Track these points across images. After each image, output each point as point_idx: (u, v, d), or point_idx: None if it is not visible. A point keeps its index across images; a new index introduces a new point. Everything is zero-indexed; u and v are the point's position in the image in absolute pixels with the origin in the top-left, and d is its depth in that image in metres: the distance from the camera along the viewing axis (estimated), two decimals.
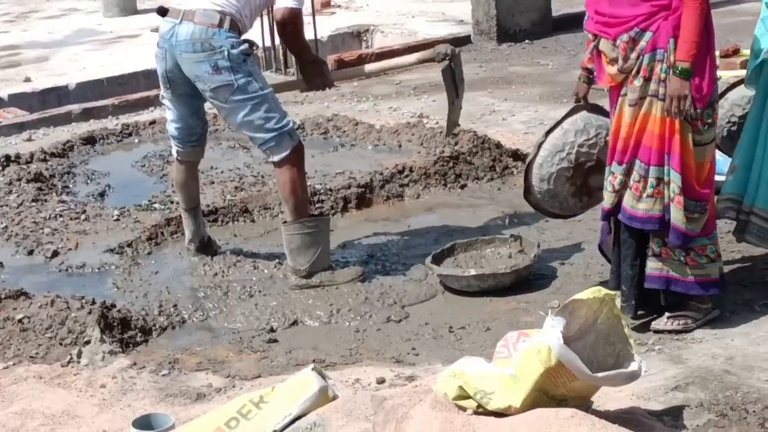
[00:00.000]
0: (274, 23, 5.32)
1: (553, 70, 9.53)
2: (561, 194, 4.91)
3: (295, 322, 4.99)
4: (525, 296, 5.08)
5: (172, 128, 5.50)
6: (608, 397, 3.86)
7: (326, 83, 5.55)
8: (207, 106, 5.47)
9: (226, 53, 5.06)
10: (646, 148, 4.42)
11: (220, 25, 5.07)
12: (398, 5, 13.55)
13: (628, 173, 4.47)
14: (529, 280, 5.21)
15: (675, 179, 4.39)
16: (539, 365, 3.32)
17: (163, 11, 5.26)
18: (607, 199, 4.57)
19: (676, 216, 4.41)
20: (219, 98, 5.13)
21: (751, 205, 4.79)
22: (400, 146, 7.35)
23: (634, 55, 4.38)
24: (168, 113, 5.51)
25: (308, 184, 6.48)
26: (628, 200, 4.49)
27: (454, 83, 5.59)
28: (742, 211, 4.82)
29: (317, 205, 6.32)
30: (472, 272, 5.13)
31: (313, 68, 5.49)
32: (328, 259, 5.36)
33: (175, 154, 5.61)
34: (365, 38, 12.28)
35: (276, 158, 5.21)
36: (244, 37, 5.23)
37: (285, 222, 5.34)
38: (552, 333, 3.34)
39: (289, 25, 5.27)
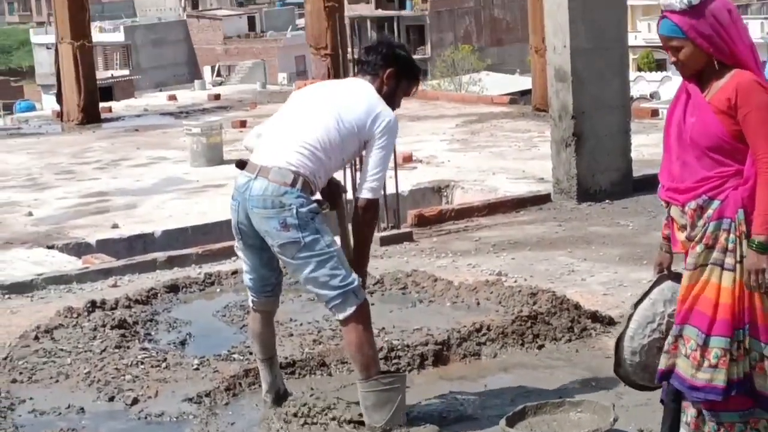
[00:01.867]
0: (355, 207, 5.40)
1: (633, 231, 9.55)
2: (652, 366, 4.86)
3: None
4: None
5: (246, 279, 5.60)
6: None
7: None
8: None
9: (294, 211, 5.13)
10: (703, 316, 4.41)
11: (293, 185, 5.15)
12: (479, 162, 13.75)
13: (679, 337, 4.46)
14: None
15: (758, 348, 4.37)
16: None
17: (241, 164, 5.38)
18: (661, 361, 4.56)
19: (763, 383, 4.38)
20: (286, 254, 5.22)
21: None
22: (478, 304, 7.36)
23: (701, 223, 4.42)
24: (243, 264, 5.61)
25: (386, 339, 6.58)
26: (685, 369, 4.46)
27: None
28: None
29: (394, 361, 6.34)
30: None
31: (361, 272, 5.47)
32: (404, 417, 5.35)
33: (250, 304, 5.69)
34: (445, 194, 12.45)
35: (341, 316, 5.24)
36: (315, 197, 5.31)
37: (360, 379, 5.35)
38: None
39: (367, 214, 5.35)
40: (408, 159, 13.72)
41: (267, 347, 5.70)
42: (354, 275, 5.27)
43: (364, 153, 5.34)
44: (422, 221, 10.42)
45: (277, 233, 5.17)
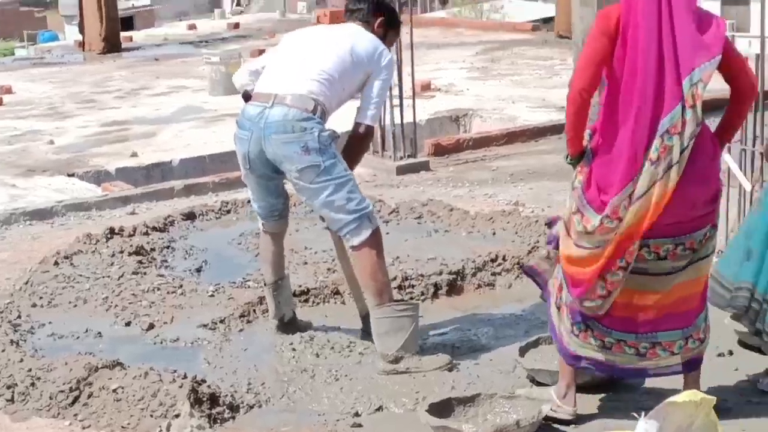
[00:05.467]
0: (352, 130, 5.50)
1: None
2: None
3: (380, 408, 5.01)
4: (616, 395, 4.96)
5: (255, 206, 5.70)
6: None
7: None
8: None
9: (316, 135, 5.20)
10: None
11: (314, 111, 5.24)
12: (498, 90, 13.68)
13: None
14: (620, 379, 5.06)
15: None
16: None
17: (248, 96, 5.46)
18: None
19: None
20: (304, 179, 5.25)
21: (764, 294, 4.78)
22: (494, 234, 7.38)
23: None
24: (250, 192, 5.70)
25: (400, 268, 6.61)
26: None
27: None
28: (755, 299, 4.82)
29: (408, 290, 6.39)
30: None
31: None
32: (417, 345, 5.40)
33: (260, 227, 5.77)
34: (463, 123, 12.40)
35: (356, 241, 5.29)
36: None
37: (373, 306, 5.39)
38: None
39: (366, 140, 5.49)
40: (426, 87, 13.63)
41: (276, 269, 5.78)
42: (368, 201, 5.36)
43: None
44: (439, 150, 10.40)
45: (299, 157, 5.21)
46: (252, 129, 5.33)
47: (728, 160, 5.12)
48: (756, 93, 4.62)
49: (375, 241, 5.31)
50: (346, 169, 5.29)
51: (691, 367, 4.60)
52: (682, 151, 4.20)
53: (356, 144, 5.49)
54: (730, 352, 5.32)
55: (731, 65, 4.38)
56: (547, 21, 23.28)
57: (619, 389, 5.01)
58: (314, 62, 5.35)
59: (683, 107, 4.19)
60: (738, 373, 5.13)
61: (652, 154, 4.20)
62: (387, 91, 5.56)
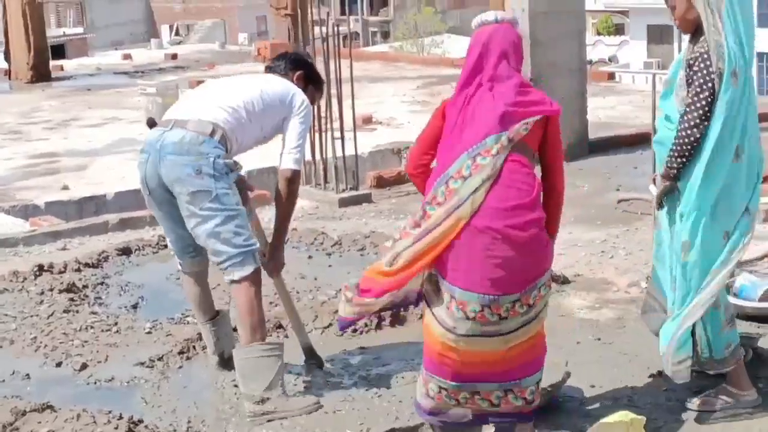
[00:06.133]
0: (278, 179, 5.40)
1: (588, 192, 9.47)
2: None
3: None
4: (554, 419, 4.91)
5: (168, 241, 5.55)
6: None
7: (272, 269, 5.53)
8: None
9: (212, 160, 5.09)
10: None
11: (212, 135, 5.13)
12: None
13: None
14: (558, 403, 5.06)
15: None
16: None
17: (152, 123, 5.39)
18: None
19: None
20: (195, 203, 5.10)
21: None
22: None
23: None
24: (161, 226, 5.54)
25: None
26: None
27: None
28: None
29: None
30: None
31: (278, 254, 5.51)
32: (283, 385, 5.20)
33: (178, 267, 5.59)
34: (404, 155, 12.29)
35: (237, 276, 5.15)
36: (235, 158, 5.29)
37: (237, 346, 5.26)
38: None
39: (291, 185, 5.35)
40: (368, 120, 13.58)
41: (204, 309, 5.63)
42: (255, 240, 5.25)
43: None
44: (381, 183, 10.33)
45: (190, 180, 5.07)
46: (149, 152, 5.21)
47: (651, 189, 5.08)
48: (562, 200, 4.65)
49: (256, 279, 5.20)
50: (238, 203, 5.18)
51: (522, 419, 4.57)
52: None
53: (282, 191, 5.37)
54: (659, 373, 5.24)
55: (548, 156, 4.55)
56: None
57: (557, 414, 4.97)
58: (221, 96, 5.32)
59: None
60: (668, 392, 5.13)
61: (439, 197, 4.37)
62: (305, 135, 5.42)
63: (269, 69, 5.63)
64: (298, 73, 5.55)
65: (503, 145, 4.35)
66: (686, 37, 4.85)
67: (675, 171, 4.71)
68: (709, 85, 4.59)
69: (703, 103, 4.59)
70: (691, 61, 4.67)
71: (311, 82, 5.63)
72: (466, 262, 4.30)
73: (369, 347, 6.01)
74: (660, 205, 4.87)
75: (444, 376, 4.44)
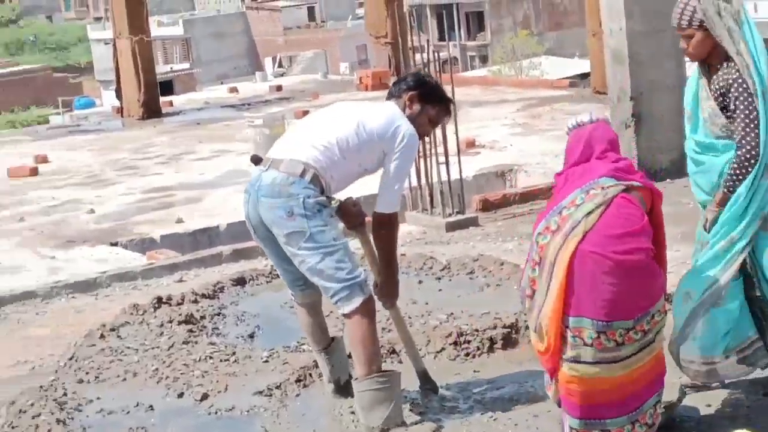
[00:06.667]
0: (372, 220, 5.41)
1: (694, 209, 9.35)
2: None
3: None
4: None
5: (278, 273, 5.61)
6: None
7: (388, 297, 5.54)
8: None
9: (302, 201, 5.12)
10: None
11: (302, 175, 5.15)
12: (541, 145, 13.61)
13: None
14: (675, 423, 5.01)
15: None
16: None
17: (257, 160, 5.42)
18: None
19: None
20: (291, 244, 5.16)
21: None
22: None
23: None
24: None
25: (455, 324, 6.49)
26: None
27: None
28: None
29: (463, 346, 6.27)
30: None
31: (390, 287, 5.51)
32: (401, 416, 5.23)
33: (292, 297, 5.67)
34: (509, 178, 12.35)
35: (347, 309, 5.17)
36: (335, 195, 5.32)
37: (355, 378, 5.28)
38: None
39: (384, 229, 5.36)
40: (471, 144, 13.64)
41: (318, 339, 5.66)
42: (360, 269, 5.24)
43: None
44: (487, 206, 10.36)
45: (284, 222, 5.13)
46: (250, 192, 5.31)
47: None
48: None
49: (367, 310, 5.18)
50: (335, 237, 5.17)
51: None
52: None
53: (376, 232, 5.38)
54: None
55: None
56: (584, 77, 23.37)
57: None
58: (318, 132, 5.30)
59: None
60: None
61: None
62: (405, 173, 5.39)
63: (389, 93, 5.53)
64: (410, 94, 5.40)
65: (615, 185, 4.47)
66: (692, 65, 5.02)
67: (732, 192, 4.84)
68: (754, 105, 4.76)
69: (756, 122, 4.76)
70: (724, 90, 4.80)
71: (428, 101, 5.44)
72: (576, 287, 4.35)
73: (482, 370, 6.03)
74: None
75: (572, 412, 4.48)
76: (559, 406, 4.63)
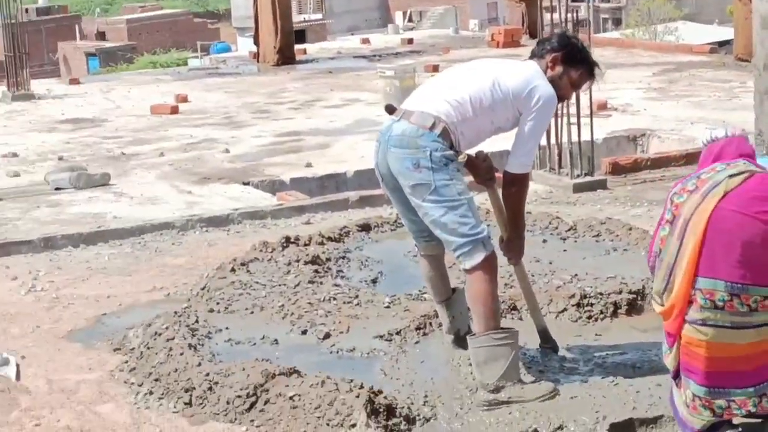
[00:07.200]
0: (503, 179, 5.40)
1: None
2: None
3: (560, 427, 4.86)
4: None
5: (403, 223, 5.64)
6: None
7: (513, 254, 5.56)
8: None
9: (428, 153, 5.12)
10: None
11: (432, 128, 5.14)
12: (677, 111, 13.39)
13: None
14: None
15: None
16: None
17: (391, 110, 5.43)
18: None
19: None
20: (416, 196, 5.18)
21: None
22: None
23: None
24: None
25: (579, 285, 6.47)
26: None
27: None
28: None
29: (586, 308, 6.24)
30: None
31: (516, 244, 5.52)
32: (518, 374, 5.21)
33: (416, 247, 5.70)
34: (641, 143, 12.18)
35: (468, 265, 5.16)
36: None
37: (473, 334, 5.28)
38: None
39: (515, 187, 5.36)
40: (603, 106, 13.47)
41: (439, 291, 5.69)
42: (484, 225, 5.22)
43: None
44: (617, 169, 10.25)
45: (410, 173, 5.15)
46: (380, 141, 5.34)
47: None
48: None
49: (488, 267, 5.16)
50: (461, 192, 5.15)
51: None
52: None
53: (506, 190, 5.38)
54: None
55: None
56: (723, 44, 22.83)
57: None
58: (453, 87, 5.29)
59: None
60: None
61: None
62: (539, 133, 5.34)
63: (532, 53, 5.49)
64: (553, 55, 5.34)
65: (755, 164, 4.38)
66: None
67: None
68: None
69: None
70: None
71: (571, 64, 5.37)
72: (711, 248, 4.26)
73: (604, 335, 6.00)
74: None
75: (696, 378, 4.37)
76: (674, 378, 4.52)
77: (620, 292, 6.37)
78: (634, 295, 6.36)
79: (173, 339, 5.86)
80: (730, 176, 4.30)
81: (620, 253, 7.31)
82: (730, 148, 4.46)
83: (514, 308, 6.30)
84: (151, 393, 5.49)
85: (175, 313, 6.30)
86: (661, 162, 10.42)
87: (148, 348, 5.88)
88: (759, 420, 4.48)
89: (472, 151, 5.47)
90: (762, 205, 4.24)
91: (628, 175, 10.13)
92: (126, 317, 6.74)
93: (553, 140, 9.92)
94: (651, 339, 5.86)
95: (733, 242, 4.22)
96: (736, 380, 4.35)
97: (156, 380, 5.57)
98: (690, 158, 10.42)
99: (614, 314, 6.28)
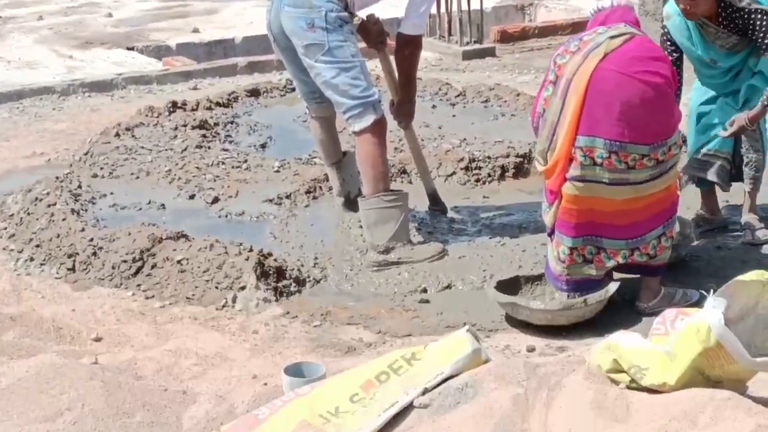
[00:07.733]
0: (396, 41, 5.43)
1: None
2: None
3: (448, 286, 4.97)
4: (681, 277, 4.93)
5: (294, 85, 5.63)
6: (763, 384, 3.75)
7: (404, 117, 5.63)
8: None
9: (323, 14, 5.10)
10: None
11: None
12: None
13: None
14: (686, 261, 5.09)
15: None
16: (698, 344, 3.22)
17: None
18: None
19: None
20: (309, 56, 5.16)
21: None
22: None
23: None
24: None
25: (467, 149, 6.52)
26: None
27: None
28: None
29: (474, 172, 6.31)
30: None
31: (407, 108, 5.59)
32: (408, 235, 5.29)
33: (307, 111, 5.68)
34: (529, 12, 12.17)
35: (357, 127, 5.19)
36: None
37: (363, 196, 5.32)
38: (713, 313, 3.24)
39: (408, 49, 5.39)
40: None
41: (330, 153, 5.71)
42: (375, 89, 5.25)
43: None
44: (505, 37, 10.28)
45: (303, 33, 5.12)
46: (273, 0, 5.27)
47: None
48: None
49: (378, 130, 5.20)
50: (354, 54, 5.16)
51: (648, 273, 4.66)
52: None
53: (402, 55, 5.39)
54: None
55: None
56: None
57: (683, 272, 4.99)
58: None
59: None
60: None
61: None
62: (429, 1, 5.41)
63: None
64: None
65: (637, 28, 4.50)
66: None
67: None
68: None
69: None
70: (746, 16, 4.86)
71: None
72: (591, 107, 4.31)
73: (492, 197, 6.10)
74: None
75: (567, 232, 4.48)
76: (549, 235, 4.62)
77: (507, 156, 6.45)
78: (521, 159, 6.45)
79: (55, 204, 5.73)
80: (611, 38, 4.35)
81: (508, 119, 7.38)
82: (614, 16, 4.52)
83: (404, 172, 6.33)
84: (32, 259, 5.38)
85: (57, 178, 6.16)
86: (548, 31, 10.46)
87: (28, 214, 5.73)
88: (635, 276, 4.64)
89: (363, 14, 5.43)
90: (641, 65, 4.31)
91: (516, 43, 10.17)
92: (4, 183, 6.57)
93: (443, 8, 9.87)
94: (536, 201, 5.92)
95: (612, 101, 4.29)
96: (610, 232, 4.49)
97: (37, 246, 5.45)
98: (576, 27, 10.45)
99: (501, 177, 6.37)
